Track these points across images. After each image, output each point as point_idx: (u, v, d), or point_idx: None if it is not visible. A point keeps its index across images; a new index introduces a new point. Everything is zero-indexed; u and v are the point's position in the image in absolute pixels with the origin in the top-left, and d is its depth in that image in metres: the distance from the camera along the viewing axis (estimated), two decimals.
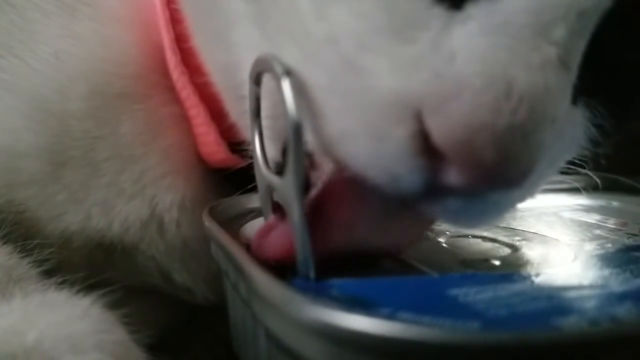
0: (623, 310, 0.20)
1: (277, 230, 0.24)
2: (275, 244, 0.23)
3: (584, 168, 0.30)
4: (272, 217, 0.25)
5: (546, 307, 0.20)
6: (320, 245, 0.21)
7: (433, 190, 0.21)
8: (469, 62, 0.20)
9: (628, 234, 0.31)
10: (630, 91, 0.25)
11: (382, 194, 0.22)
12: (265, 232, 0.24)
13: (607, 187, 0.40)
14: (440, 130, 0.20)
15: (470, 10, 0.21)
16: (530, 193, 0.25)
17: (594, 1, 0.20)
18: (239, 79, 0.27)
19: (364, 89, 0.21)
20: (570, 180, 0.37)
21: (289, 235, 0.22)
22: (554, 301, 0.21)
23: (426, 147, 0.21)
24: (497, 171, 0.20)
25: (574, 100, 0.23)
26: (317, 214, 0.22)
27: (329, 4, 0.22)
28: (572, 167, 0.29)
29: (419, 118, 0.20)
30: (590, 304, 0.21)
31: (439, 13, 0.21)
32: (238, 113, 0.31)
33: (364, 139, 0.21)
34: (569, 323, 0.18)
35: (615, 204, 0.39)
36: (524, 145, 0.20)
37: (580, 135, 0.25)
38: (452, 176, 0.21)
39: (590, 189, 0.40)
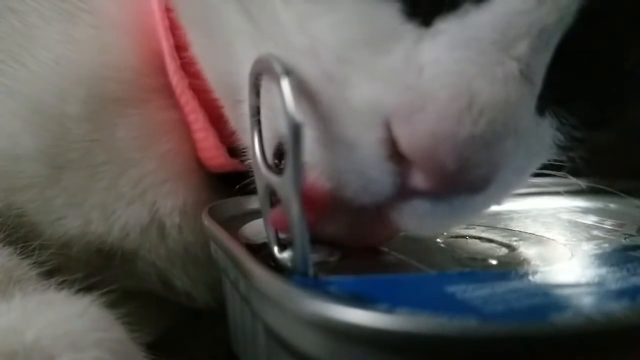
0: (619, 307, 0.20)
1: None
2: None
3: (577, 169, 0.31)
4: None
5: (542, 303, 0.20)
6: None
7: (402, 193, 0.23)
8: (435, 76, 0.21)
9: (625, 234, 0.32)
10: (599, 100, 0.26)
11: (355, 204, 0.23)
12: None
13: (605, 190, 0.40)
14: (407, 138, 0.22)
15: (439, 25, 0.22)
16: (495, 198, 0.26)
17: (555, 19, 0.21)
18: (237, 85, 0.28)
19: (341, 99, 0.23)
20: (568, 183, 0.38)
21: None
22: (550, 297, 0.21)
23: (395, 153, 0.22)
24: (459, 177, 0.22)
25: (542, 110, 0.24)
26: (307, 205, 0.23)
27: (310, 18, 0.23)
28: (565, 168, 0.30)
29: (388, 126, 0.22)
30: (586, 301, 0.21)
31: (411, 28, 0.22)
32: (237, 117, 0.31)
33: (340, 146, 0.23)
34: (564, 318, 0.18)
35: (612, 205, 0.40)
36: (484, 154, 0.21)
37: (548, 143, 0.26)
38: (418, 180, 0.22)
39: (588, 191, 0.40)
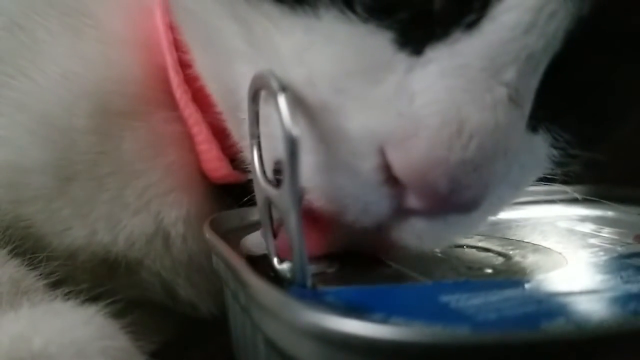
0: (611, 315, 0.21)
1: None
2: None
3: (576, 177, 0.31)
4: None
5: (535, 311, 0.20)
6: (311, 247, 0.23)
7: (398, 213, 0.24)
8: (427, 103, 0.22)
9: (622, 242, 0.32)
10: (590, 118, 0.27)
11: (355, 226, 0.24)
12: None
13: (604, 197, 0.40)
14: (400, 164, 0.23)
15: (430, 54, 0.23)
16: (490, 213, 0.28)
17: (543, 45, 0.22)
18: (238, 101, 0.28)
19: (336, 127, 0.23)
20: (566, 191, 0.38)
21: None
22: (543, 305, 0.21)
23: (390, 177, 0.23)
24: (451, 199, 0.22)
25: (534, 128, 0.26)
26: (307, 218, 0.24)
27: (306, 50, 0.24)
28: (564, 177, 0.30)
29: (382, 152, 0.23)
30: (578, 309, 0.22)
31: (404, 57, 0.23)
32: (239, 132, 0.32)
33: (338, 172, 0.24)
34: (556, 325, 0.19)
35: (610, 213, 0.40)
36: (474, 176, 0.22)
37: (542, 158, 0.27)
38: (413, 201, 0.23)
39: (586, 199, 0.40)
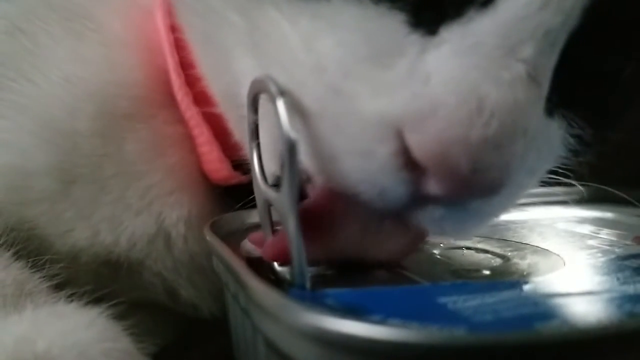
0: (606, 315, 0.21)
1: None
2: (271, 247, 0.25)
3: (576, 179, 0.32)
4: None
5: (531, 313, 0.21)
6: (312, 252, 0.23)
7: (417, 200, 0.23)
8: (443, 83, 0.22)
9: (620, 243, 0.32)
10: (606, 102, 0.27)
11: (372, 208, 0.24)
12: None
13: (602, 199, 0.40)
14: (419, 145, 0.22)
15: (444, 34, 0.22)
16: (510, 202, 0.27)
17: (559, 21, 0.22)
18: (240, 102, 0.28)
19: (350, 113, 0.23)
20: (566, 192, 0.38)
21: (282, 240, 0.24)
22: (539, 307, 0.21)
23: (408, 162, 0.22)
24: (473, 181, 0.22)
25: (550, 113, 0.25)
26: (308, 223, 0.23)
27: (315, 36, 0.24)
28: (563, 178, 0.30)
29: (400, 136, 0.22)
30: (573, 310, 0.22)
31: (416, 39, 0.23)
32: (241, 132, 0.32)
33: (353, 158, 0.23)
34: (550, 326, 0.19)
35: (609, 215, 0.40)
36: (496, 155, 0.21)
37: (557, 145, 0.26)
38: (433, 186, 0.23)
39: (585, 200, 0.40)
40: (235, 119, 0.32)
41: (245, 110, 0.27)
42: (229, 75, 0.30)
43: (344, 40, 0.23)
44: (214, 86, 0.34)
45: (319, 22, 0.24)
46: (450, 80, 0.22)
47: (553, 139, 0.26)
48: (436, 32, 0.22)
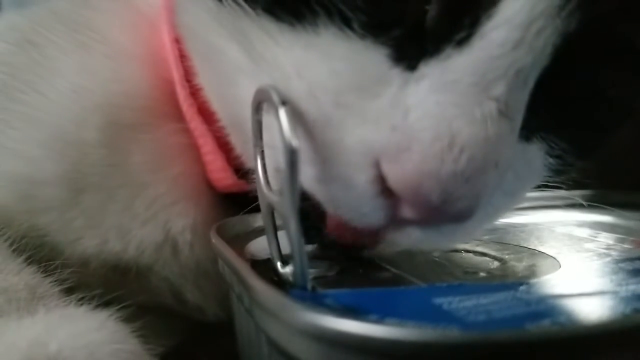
0: (596, 315, 0.22)
1: None
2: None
3: (576, 183, 0.32)
4: None
5: (523, 313, 0.21)
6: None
7: (394, 222, 0.25)
8: (419, 118, 0.23)
9: (616, 247, 0.32)
10: (583, 127, 0.28)
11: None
12: None
13: (602, 203, 0.41)
14: (394, 176, 0.24)
15: (423, 69, 0.24)
16: (486, 222, 0.29)
17: (530, 60, 0.23)
18: (240, 115, 0.29)
19: (336, 140, 0.25)
20: (565, 196, 0.39)
21: None
22: (532, 308, 0.22)
23: (385, 188, 0.24)
24: (444, 210, 0.23)
25: (528, 138, 0.26)
26: None
27: (308, 65, 0.25)
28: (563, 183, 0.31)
29: (377, 165, 0.24)
30: (565, 310, 0.22)
31: (398, 73, 0.24)
32: (242, 145, 0.33)
33: (336, 182, 0.25)
34: (540, 326, 0.20)
35: (608, 218, 0.40)
36: (467, 188, 0.23)
37: (539, 166, 0.28)
38: (407, 211, 0.24)
39: (585, 204, 0.41)
40: (235, 131, 0.33)
41: (246, 127, 0.28)
42: (228, 94, 0.30)
43: (334, 70, 0.25)
44: (213, 99, 0.34)
45: (310, 51, 0.25)
46: (427, 116, 0.23)
47: (533, 160, 0.28)
48: (416, 67, 0.24)
